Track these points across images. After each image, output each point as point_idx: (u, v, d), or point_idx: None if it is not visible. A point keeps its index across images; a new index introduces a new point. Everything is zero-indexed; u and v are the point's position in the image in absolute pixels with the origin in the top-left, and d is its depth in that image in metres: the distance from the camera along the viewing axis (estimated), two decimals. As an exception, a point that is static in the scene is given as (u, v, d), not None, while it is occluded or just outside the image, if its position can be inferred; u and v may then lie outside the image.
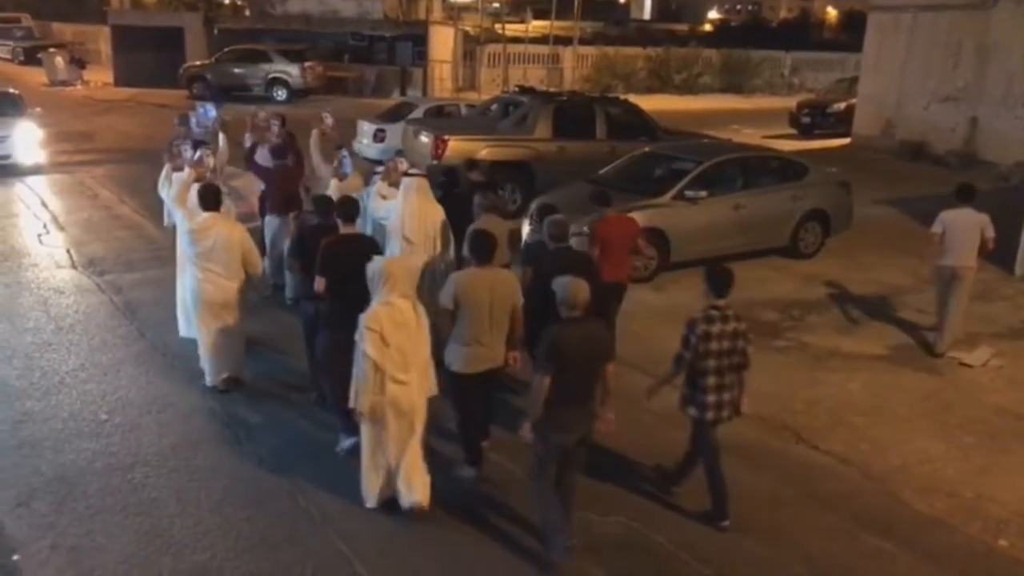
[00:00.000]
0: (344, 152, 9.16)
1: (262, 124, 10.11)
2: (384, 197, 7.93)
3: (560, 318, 5.04)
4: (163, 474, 6.02)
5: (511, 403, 6.83)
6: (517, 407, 6.63)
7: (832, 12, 62.42)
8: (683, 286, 10.44)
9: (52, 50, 32.57)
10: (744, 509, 5.93)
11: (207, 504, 5.70)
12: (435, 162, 11.56)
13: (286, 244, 8.15)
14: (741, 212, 11.00)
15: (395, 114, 17.01)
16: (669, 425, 7.03)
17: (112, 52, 31.07)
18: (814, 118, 24.03)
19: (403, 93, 28.64)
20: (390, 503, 5.61)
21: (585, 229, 8.18)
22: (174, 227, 7.98)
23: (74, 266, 10.48)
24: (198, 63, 28.32)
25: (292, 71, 27.68)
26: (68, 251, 11.05)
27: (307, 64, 28.08)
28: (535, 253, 6.84)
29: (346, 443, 6.17)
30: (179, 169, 8.15)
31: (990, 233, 8.49)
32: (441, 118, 16.60)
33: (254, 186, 9.34)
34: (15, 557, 5.12)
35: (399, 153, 10.56)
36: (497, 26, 38.16)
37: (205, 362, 7.27)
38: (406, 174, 7.81)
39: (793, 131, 23.93)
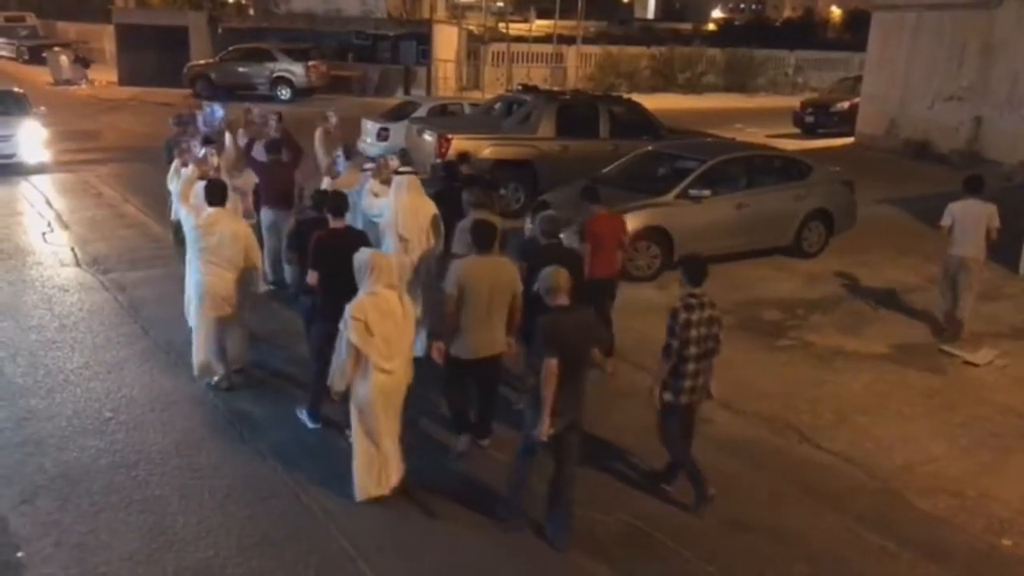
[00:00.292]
0: (339, 151, 9.28)
1: (257, 121, 10.23)
2: (376, 195, 7.99)
3: (550, 310, 5.19)
4: (167, 472, 6.04)
5: (514, 402, 6.83)
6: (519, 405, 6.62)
7: (836, 11, 62.35)
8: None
9: (56, 49, 32.62)
10: (747, 507, 5.94)
11: (210, 501, 5.71)
12: (439, 160, 11.56)
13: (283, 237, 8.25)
14: (744, 211, 10.99)
15: (399, 113, 17.01)
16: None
17: (116, 51, 31.10)
18: (818, 117, 24.00)
19: (407, 92, 28.64)
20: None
21: (575, 228, 8.23)
22: (179, 222, 8.06)
23: (78, 264, 10.51)
24: (202, 62, 28.35)
25: (296, 70, 27.70)
26: (72, 249, 11.07)
27: (311, 63, 28.10)
28: (530, 249, 6.93)
29: (307, 422, 6.59)
30: (187, 165, 8.31)
31: (995, 224, 8.74)
32: (444, 117, 16.60)
33: (251, 183, 9.41)
34: (19, 554, 5.14)
35: (402, 152, 10.61)
36: (501, 25, 38.16)
37: (200, 353, 7.28)
38: (397, 172, 7.90)
39: (797, 130, 23.90)
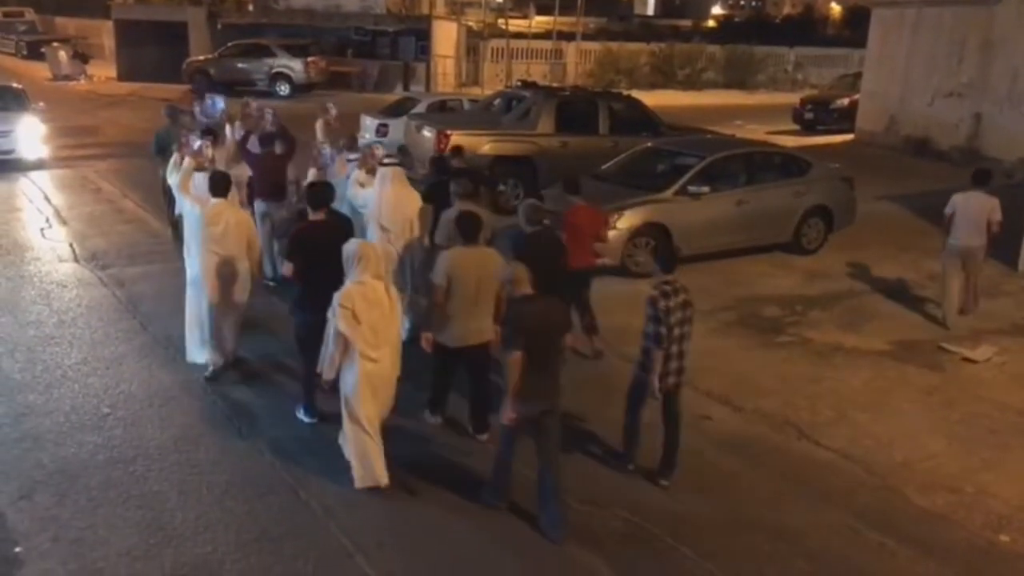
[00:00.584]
0: (325, 145, 9.50)
1: (254, 114, 10.36)
2: (362, 185, 8.06)
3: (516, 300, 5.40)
4: (165, 467, 6.03)
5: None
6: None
7: (836, 8, 62.23)
8: (686, 282, 10.39)
9: (55, 44, 32.51)
10: (746, 504, 5.95)
11: (209, 497, 5.71)
12: (434, 154, 11.56)
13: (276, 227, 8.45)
14: (744, 208, 10.99)
15: (398, 109, 16.99)
16: (671, 420, 7.03)
17: (115, 47, 31.04)
18: (817, 114, 24.00)
19: (406, 88, 28.60)
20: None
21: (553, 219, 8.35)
22: (180, 217, 8.13)
23: (76, 260, 10.49)
24: (201, 58, 28.31)
25: (295, 66, 27.66)
26: (71, 245, 11.05)
27: (310, 59, 28.06)
28: (517, 238, 7.04)
29: (303, 417, 6.62)
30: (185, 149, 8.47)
31: (996, 216, 9.00)
32: (444, 113, 16.58)
33: (246, 175, 9.51)
34: (17, 550, 5.13)
35: (401, 148, 10.63)
36: (500, 21, 38.09)
37: (197, 341, 7.42)
38: (382, 163, 8.03)
39: (796, 127, 23.91)
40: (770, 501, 6.04)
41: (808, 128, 23.71)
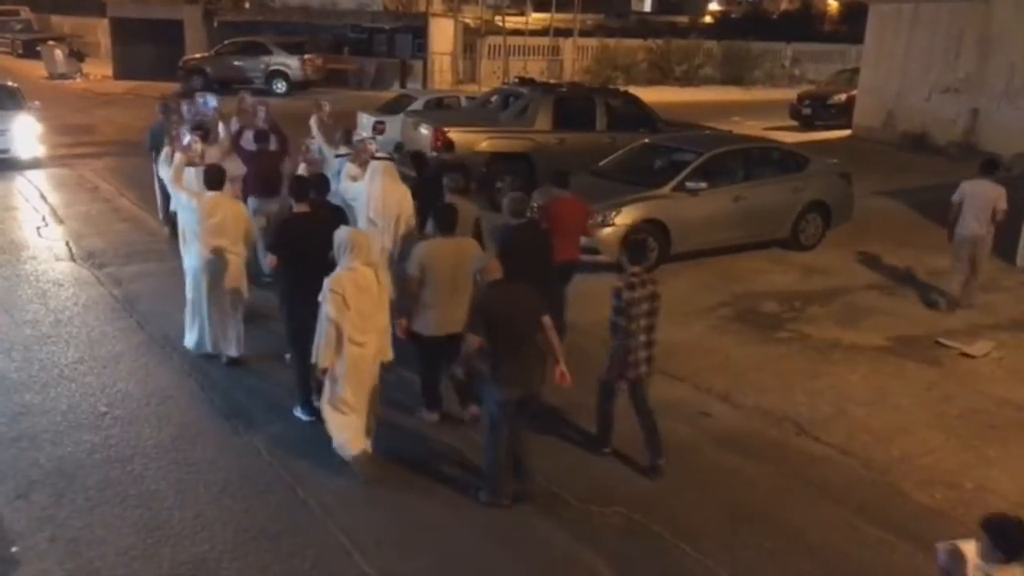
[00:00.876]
0: (311, 140, 9.72)
1: (248, 109, 10.47)
2: (354, 178, 8.14)
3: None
4: (162, 466, 6.01)
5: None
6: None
7: (833, 3, 62.14)
8: (684, 278, 10.43)
9: (51, 43, 32.41)
10: (745, 499, 5.94)
11: (206, 496, 5.70)
12: (434, 153, 11.54)
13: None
14: (741, 204, 10.97)
15: (395, 106, 16.95)
16: (669, 417, 7.03)
17: (111, 45, 30.98)
18: (815, 110, 23.96)
19: (403, 85, 28.56)
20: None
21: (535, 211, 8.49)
22: (175, 213, 8.22)
23: (73, 259, 10.46)
24: (197, 56, 28.24)
25: (292, 64, 27.62)
26: (67, 244, 11.02)
27: (307, 56, 28.02)
28: (502, 230, 7.09)
29: (301, 415, 6.62)
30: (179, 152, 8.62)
31: (1002, 205, 9.30)
32: (441, 110, 16.55)
33: (239, 171, 9.52)
34: (14, 549, 5.11)
35: (398, 146, 10.64)
36: (497, 18, 38.01)
37: (195, 329, 7.58)
38: (374, 156, 8.16)
39: (794, 123, 23.87)
40: (769, 497, 6.04)
41: (806, 124, 23.68)
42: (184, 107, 11.13)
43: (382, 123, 16.05)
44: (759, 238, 11.40)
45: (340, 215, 6.99)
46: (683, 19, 55.51)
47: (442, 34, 31.98)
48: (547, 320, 5.59)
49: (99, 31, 35.33)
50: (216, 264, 7.33)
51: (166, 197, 10.08)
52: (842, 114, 22.99)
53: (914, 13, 20.48)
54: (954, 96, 19.65)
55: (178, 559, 5.07)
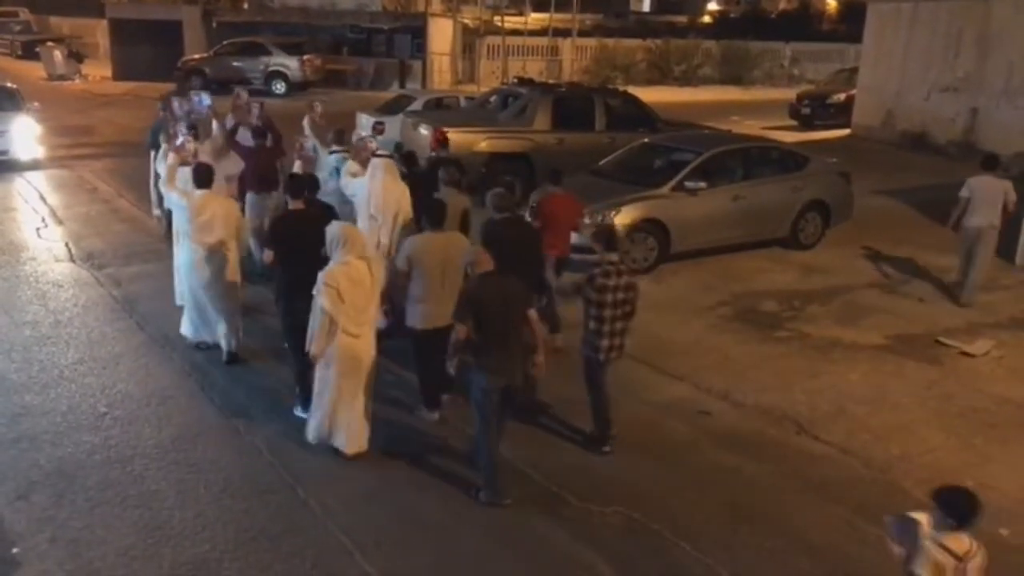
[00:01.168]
0: (305, 138, 9.95)
1: (243, 106, 10.72)
2: (354, 175, 8.29)
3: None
4: (163, 466, 6.01)
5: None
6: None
7: (831, 3, 62.14)
8: (683, 277, 10.44)
9: (50, 44, 32.39)
10: (745, 499, 5.94)
11: (207, 496, 5.70)
12: (433, 153, 11.55)
13: (266, 220, 8.78)
14: (741, 203, 10.98)
15: (394, 107, 16.95)
16: (669, 416, 7.06)
17: (110, 46, 30.96)
18: (814, 109, 23.96)
19: (402, 86, 28.55)
20: (327, 445, 6.16)
21: (529, 207, 8.67)
22: (170, 211, 8.35)
23: (73, 260, 10.46)
24: (196, 56, 28.23)
25: (291, 64, 27.61)
26: (67, 245, 11.02)
27: (306, 57, 28.01)
28: (487, 225, 7.20)
29: (299, 412, 6.60)
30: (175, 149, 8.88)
31: (1012, 197, 9.60)
32: (440, 110, 16.56)
33: (235, 168, 9.66)
34: (14, 550, 5.11)
35: (398, 147, 10.69)
36: (496, 18, 38.02)
37: (191, 325, 7.75)
38: (375, 154, 8.32)
39: (793, 122, 23.87)
40: (769, 496, 6.04)
41: (805, 123, 23.68)
42: (176, 104, 11.43)
43: (381, 123, 15.95)
44: (759, 237, 11.41)
45: (330, 213, 7.08)
46: (682, 19, 55.54)
47: (441, 34, 31.98)
48: (532, 313, 5.72)
49: (98, 32, 35.34)
50: (207, 261, 7.43)
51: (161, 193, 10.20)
52: (841, 113, 22.99)
53: (913, 12, 20.48)
54: (953, 95, 19.66)
55: (179, 559, 5.07)
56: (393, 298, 6.86)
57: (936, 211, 13.23)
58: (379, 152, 8.43)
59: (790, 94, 26.32)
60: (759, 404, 7.34)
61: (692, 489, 6.04)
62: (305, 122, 10.90)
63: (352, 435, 6.08)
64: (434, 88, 28.11)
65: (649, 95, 18.79)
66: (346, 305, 5.77)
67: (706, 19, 58.60)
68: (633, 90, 17.96)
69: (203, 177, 7.52)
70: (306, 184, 7.19)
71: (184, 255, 7.63)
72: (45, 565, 5.00)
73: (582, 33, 37.26)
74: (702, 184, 10.65)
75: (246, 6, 35.63)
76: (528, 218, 8.23)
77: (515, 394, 5.81)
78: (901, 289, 10.35)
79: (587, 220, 9.97)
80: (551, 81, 25.94)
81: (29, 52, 34.97)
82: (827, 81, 27.29)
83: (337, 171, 8.89)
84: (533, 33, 36.39)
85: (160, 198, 10.47)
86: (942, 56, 19.84)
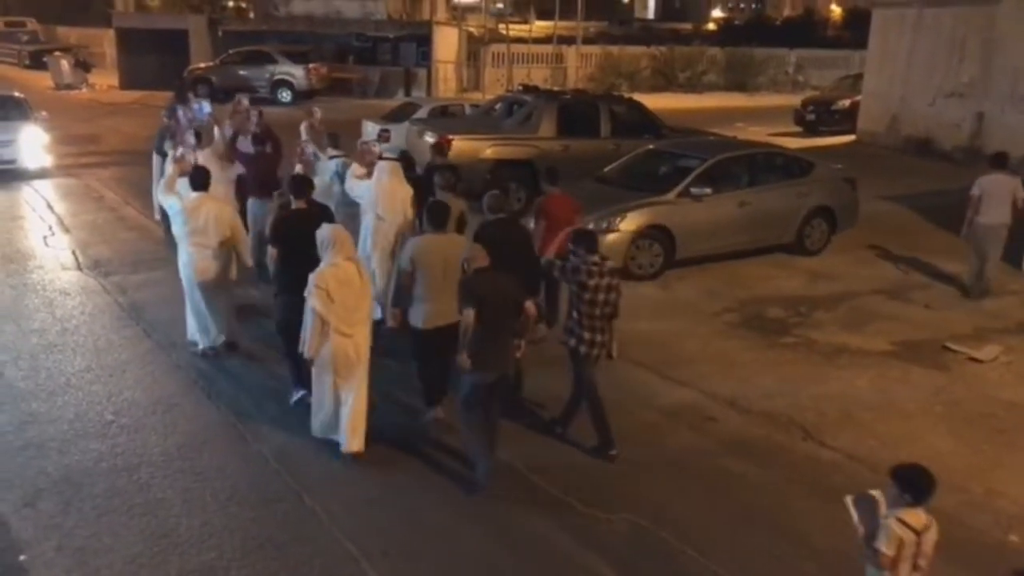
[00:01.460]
0: (305, 142, 10.32)
1: (242, 112, 10.96)
2: (360, 178, 8.54)
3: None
4: (169, 474, 6.02)
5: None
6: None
7: (836, 9, 62.21)
8: (689, 284, 10.43)
9: (57, 54, 32.62)
10: (752, 505, 5.92)
11: (213, 504, 5.70)
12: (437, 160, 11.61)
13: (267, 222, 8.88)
14: (746, 209, 10.96)
15: (399, 114, 17.00)
16: (677, 423, 7.05)
17: (117, 55, 31.17)
18: (819, 115, 23.95)
19: (407, 94, 28.63)
20: (332, 450, 6.25)
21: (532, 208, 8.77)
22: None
23: (80, 268, 10.49)
24: (203, 65, 28.35)
25: (296, 73, 27.73)
26: (74, 253, 11.06)
27: (311, 65, 28.13)
28: (481, 226, 7.32)
29: (296, 395, 6.89)
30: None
31: (1021, 194, 9.75)
32: (445, 118, 16.59)
33: (235, 172, 9.92)
34: (21, 558, 5.12)
35: (403, 153, 10.76)
36: (501, 26, 38.14)
37: (196, 330, 7.89)
38: (381, 157, 8.63)
39: (798, 128, 23.87)
40: (776, 502, 6.02)
41: (810, 129, 23.67)
42: (181, 113, 11.63)
43: (387, 131, 16.00)
44: (764, 243, 11.39)
45: (326, 213, 7.26)
46: (686, 26, 55.71)
47: (446, 42, 32.08)
48: (529, 305, 5.97)
49: (105, 41, 35.53)
50: (203, 262, 7.58)
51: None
52: (846, 119, 22.97)
53: (917, 18, 20.46)
54: (959, 100, 19.62)
55: (185, 568, 5.07)
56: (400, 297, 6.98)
57: (942, 217, 13.22)
58: (385, 155, 8.69)
59: (795, 100, 26.32)
60: (765, 410, 7.32)
61: (698, 495, 6.02)
62: (303, 128, 11.17)
63: (350, 433, 6.16)
64: (439, 96, 28.23)
65: (654, 102, 18.81)
66: (336, 305, 5.92)
67: (711, 26, 58.76)
68: (638, 97, 17.96)
69: (199, 180, 7.68)
70: (308, 185, 7.37)
71: (182, 258, 7.76)
72: (52, 573, 5.01)
73: (586, 40, 37.37)
74: (707, 190, 10.65)
75: (252, 15, 35.84)
76: (533, 222, 8.37)
77: (505, 385, 6.03)
78: (907, 295, 10.32)
79: (592, 226, 10.00)
80: (556, 88, 25.98)
81: (36, 62, 35.23)
82: (832, 87, 27.26)
83: (338, 175, 9.11)
84: (538, 41, 36.48)
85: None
86: (947, 61, 19.81)
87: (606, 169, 11.85)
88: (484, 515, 5.69)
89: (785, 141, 18.88)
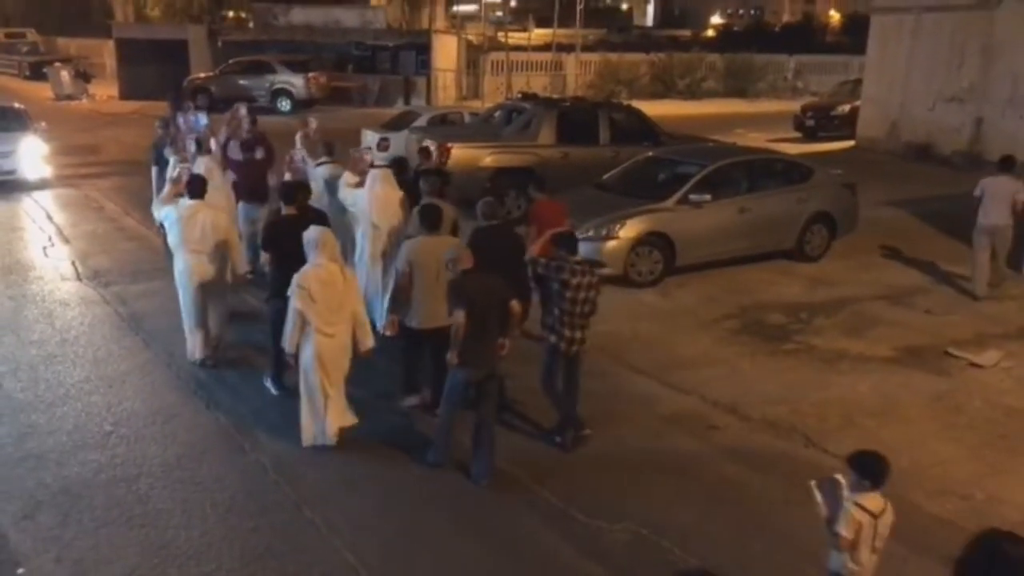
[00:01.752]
0: (295, 150, 10.50)
1: (237, 119, 11.05)
2: (352, 186, 8.66)
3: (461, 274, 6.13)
4: (168, 485, 6.00)
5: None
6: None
7: (835, 15, 62.35)
8: (689, 291, 10.42)
9: (57, 64, 32.72)
10: (754, 512, 5.89)
11: (212, 515, 5.67)
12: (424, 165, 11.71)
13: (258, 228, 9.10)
14: (746, 215, 10.96)
15: (399, 123, 17.01)
16: (677, 430, 7.02)
17: (117, 65, 31.25)
18: (818, 121, 24.00)
19: (407, 102, 28.69)
20: (327, 451, 6.40)
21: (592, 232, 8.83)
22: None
23: (79, 278, 10.48)
24: (202, 75, 28.42)
25: (296, 82, 27.80)
26: (73, 263, 11.05)
27: (311, 75, 28.20)
28: (475, 231, 7.46)
29: (273, 390, 7.26)
30: (185, 161, 9.58)
31: (1021, 197, 10.02)
32: (445, 126, 16.60)
33: (231, 178, 10.06)
34: (20, 571, 5.09)
35: (396, 159, 10.87)
36: (500, 34, 38.24)
37: (190, 336, 7.92)
38: (372, 165, 8.76)
39: (798, 134, 23.90)
40: (778, 509, 5.98)
41: (809, 135, 23.72)
42: (180, 121, 11.93)
43: (386, 140, 16.12)
44: (764, 249, 11.38)
45: (322, 219, 7.35)
46: (685, 33, 55.83)
47: (445, 51, 32.18)
48: (515, 304, 6.14)
49: (105, 52, 35.65)
50: (199, 268, 7.66)
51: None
52: (845, 125, 23.02)
53: (916, 23, 20.50)
54: (958, 105, 19.65)
55: (184, 579, 5.05)
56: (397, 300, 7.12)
57: (942, 222, 13.22)
58: (377, 163, 8.85)
59: (794, 106, 26.37)
60: (767, 417, 7.30)
61: (701, 503, 6.00)
62: (298, 136, 11.33)
63: (332, 421, 6.37)
64: (439, 104, 28.31)
65: (653, 109, 18.84)
66: (318, 305, 6.11)
67: (710, 32, 58.85)
68: (637, 104, 18.01)
69: (196, 188, 7.77)
70: (299, 191, 7.56)
71: (178, 266, 7.82)
72: (51, 585, 4.99)
73: (586, 48, 37.46)
74: (707, 197, 10.64)
75: (251, 25, 35.89)
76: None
77: (492, 381, 6.17)
78: (908, 300, 10.30)
79: (592, 233, 10.02)
80: (555, 96, 26.04)
81: (37, 73, 35.34)
82: (831, 93, 27.32)
83: (327, 183, 9.18)
84: (537, 48, 36.63)
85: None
86: (946, 67, 19.84)
87: (605, 176, 11.86)
88: (485, 525, 5.66)
89: (785, 147, 18.87)
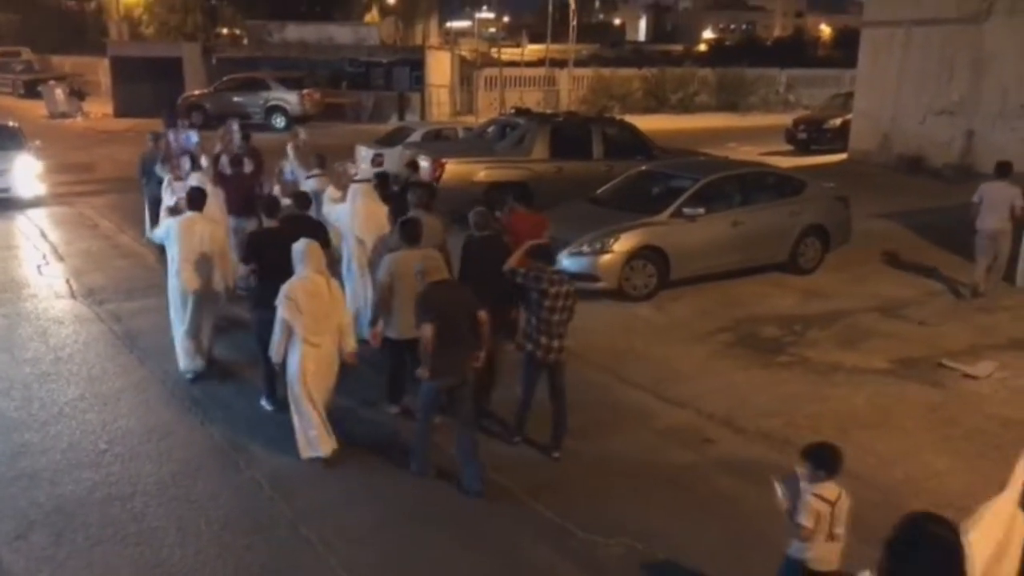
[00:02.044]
0: (284, 162, 10.89)
1: (229, 134, 11.44)
2: (335, 201, 8.78)
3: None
4: (163, 503, 5.97)
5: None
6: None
7: (826, 29, 62.79)
8: (683, 304, 10.43)
9: (52, 82, 32.74)
10: (751, 526, 5.88)
11: (207, 532, 5.65)
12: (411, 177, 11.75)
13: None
14: (740, 228, 10.99)
15: (393, 139, 17.08)
16: (673, 443, 7.02)
17: (111, 83, 31.29)
18: (810, 134, 24.12)
19: (401, 118, 28.79)
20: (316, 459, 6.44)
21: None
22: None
23: (73, 296, 10.47)
24: (197, 92, 28.47)
25: (290, 99, 27.87)
26: (67, 281, 11.03)
27: (305, 91, 28.28)
28: (468, 242, 7.55)
29: (267, 406, 7.30)
30: (179, 179, 9.72)
31: (1019, 202, 10.21)
32: (439, 141, 16.66)
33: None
34: (13, 590, 5.07)
35: (379, 173, 10.90)
36: (493, 50, 38.43)
37: (182, 350, 7.97)
38: (353, 180, 8.84)
39: (790, 147, 24.01)
40: (774, 522, 5.95)
41: (801, 148, 23.83)
42: (172, 137, 12.03)
43: (380, 155, 16.16)
44: (758, 263, 11.41)
45: (320, 230, 7.50)
46: (677, 47, 56.13)
47: (439, 67, 32.30)
48: (482, 314, 6.19)
49: (99, 70, 35.69)
50: (193, 279, 7.76)
51: (154, 217, 10.95)
52: (837, 138, 23.14)
53: (907, 37, 20.65)
54: (949, 118, 19.77)
55: (179, 597, 5.02)
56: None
57: (935, 233, 13.28)
58: (357, 178, 8.97)
59: (786, 120, 26.50)
60: (762, 429, 7.30)
61: (697, 517, 5.99)
62: (289, 148, 11.51)
63: (322, 439, 6.42)
64: (433, 120, 28.40)
65: (646, 123, 18.91)
66: (304, 316, 6.21)
67: (702, 47, 59.15)
68: (630, 118, 18.08)
69: (195, 200, 7.91)
70: (277, 205, 7.73)
71: (171, 281, 7.91)
72: (44, 605, 4.96)
73: (578, 63, 37.69)
74: (700, 210, 10.68)
75: (246, 42, 35.99)
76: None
77: (464, 389, 6.24)
78: (901, 312, 10.33)
79: (586, 247, 10.04)
80: (548, 111, 26.14)
81: (31, 91, 35.36)
82: (823, 106, 27.48)
83: (316, 196, 9.17)
84: (530, 64, 36.80)
85: (153, 224, 10.92)
86: (936, 80, 19.98)
87: (599, 191, 11.89)
88: (482, 541, 5.64)
89: (777, 160, 18.95)
